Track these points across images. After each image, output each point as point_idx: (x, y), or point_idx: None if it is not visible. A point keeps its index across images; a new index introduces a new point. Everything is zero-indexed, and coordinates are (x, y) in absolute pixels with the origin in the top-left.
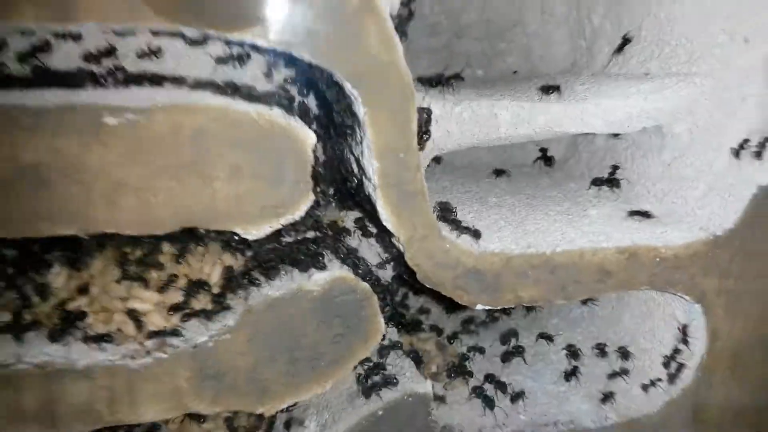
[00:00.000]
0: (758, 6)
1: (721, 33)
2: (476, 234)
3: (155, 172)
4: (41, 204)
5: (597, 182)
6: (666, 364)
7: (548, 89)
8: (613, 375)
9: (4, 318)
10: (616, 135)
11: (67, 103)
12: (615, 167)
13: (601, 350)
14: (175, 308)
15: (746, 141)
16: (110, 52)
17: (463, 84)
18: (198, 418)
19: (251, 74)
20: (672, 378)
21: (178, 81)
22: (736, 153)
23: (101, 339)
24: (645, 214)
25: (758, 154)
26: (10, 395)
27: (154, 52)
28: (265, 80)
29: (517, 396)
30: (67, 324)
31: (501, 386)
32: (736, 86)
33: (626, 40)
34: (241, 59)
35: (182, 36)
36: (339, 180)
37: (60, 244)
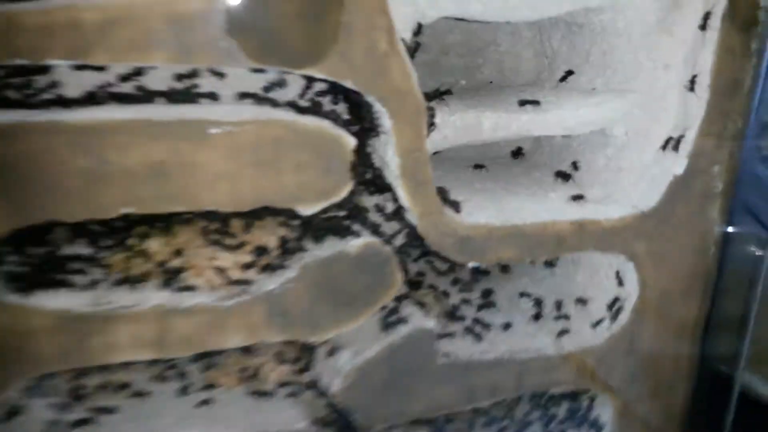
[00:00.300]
0: (673, 43)
1: (647, 60)
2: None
3: (243, 166)
4: (164, 189)
5: (557, 174)
6: (609, 308)
7: (525, 103)
8: (563, 317)
9: (118, 274)
10: (570, 136)
11: (183, 118)
12: (575, 164)
13: (559, 302)
14: (247, 266)
15: (668, 140)
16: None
17: (451, 95)
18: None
19: (293, 92)
20: (613, 318)
21: (265, 101)
22: (662, 149)
23: (195, 288)
24: (580, 197)
25: (675, 149)
26: (131, 329)
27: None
28: (304, 97)
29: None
30: (170, 276)
31: (485, 326)
32: (660, 100)
33: (569, 72)
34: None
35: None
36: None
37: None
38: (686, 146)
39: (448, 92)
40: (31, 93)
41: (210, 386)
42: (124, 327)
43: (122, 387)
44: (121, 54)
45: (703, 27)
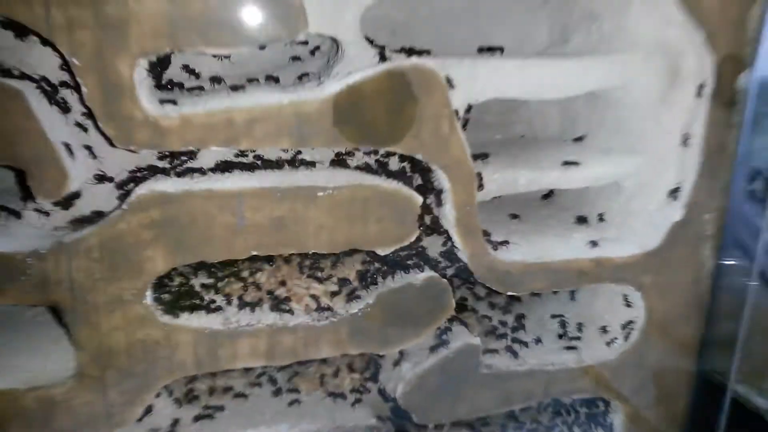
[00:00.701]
0: (673, 114)
1: (653, 127)
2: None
3: (339, 219)
4: (282, 237)
5: (578, 219)
6: (622, 328)
7: (568, 164)
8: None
9: (237, 300)
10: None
11: (299, 184)
12: (600, 216)
13: (580, 324)
14: (334, 294)
15: (672, 191)
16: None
17: (488, 156)
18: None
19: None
20: (626, 337)
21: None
22: (666, 197)
23: (294, 311)
24: (596, 243)
25: (675, 198)
26: (250, 342)
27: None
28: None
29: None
30: (278, 302)
31: (522, 344)
32: (662, 158)
33: (580, 137)
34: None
35: None
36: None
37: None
38: (683, 197)
39: (485, 155)
40: (178, 164)
41: (295, 390)
42: (245, 341)
43: (226, 390)
44: (259, 142)
45: (699, 95)
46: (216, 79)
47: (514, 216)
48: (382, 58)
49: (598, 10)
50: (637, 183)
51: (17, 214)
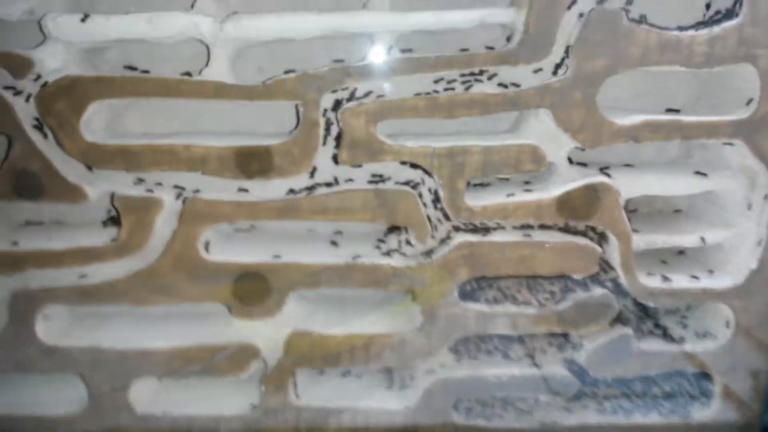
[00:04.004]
0: (751, 208)
1: (740, 215)
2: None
3: (556, 258)
4: (526, 266)
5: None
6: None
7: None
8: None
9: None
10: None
11: (535, 240)
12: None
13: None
14: (547, 299)
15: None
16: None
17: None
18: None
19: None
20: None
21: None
22: (749, 254)
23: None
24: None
25: (752, 254)
26: (508, 320)
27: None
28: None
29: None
30: (517, 301)
31: (666, 333)
32: (745, 232)
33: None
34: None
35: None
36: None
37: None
38: (757, 254)
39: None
40: None
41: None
42: (503, 319)
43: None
44: (520, 219)
45: (765, 198)
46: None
47: (663, 262)
48: (581, 174)
49: (708, 144)
50: (731, 246)
51: None
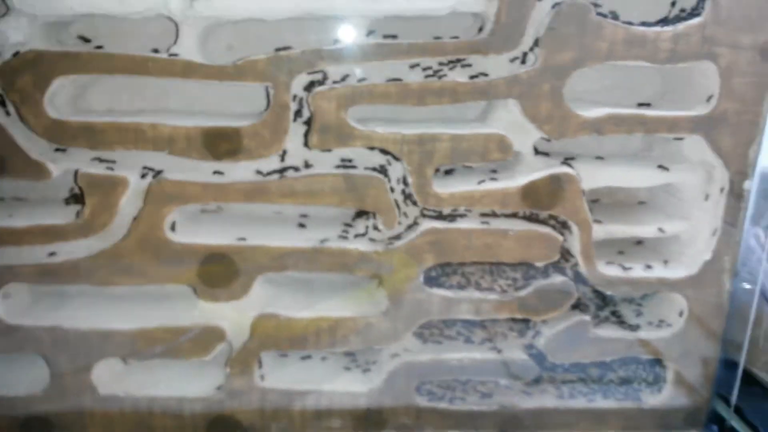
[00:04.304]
0: (708, 200)
1: (696, 207)
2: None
3: (520, 246)
4: (491, 253)
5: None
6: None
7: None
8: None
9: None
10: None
11: (499, 228)
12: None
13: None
14: (509, 286)
15: (706, 242)
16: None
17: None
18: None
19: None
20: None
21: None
22: (702, 246)
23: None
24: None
25: (706, 246)
26: (469, 306)
27: None
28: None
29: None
30: (480, 287)
31: (620, 318)
32: (701, 224)
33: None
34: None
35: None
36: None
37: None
38: (711, 246)
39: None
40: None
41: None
42: (465, 305)
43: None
44: (488, 206)
45: (721, 192)
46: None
47: (620, 252)
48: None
49: (668, 138)
50: (687, 237)
51: None
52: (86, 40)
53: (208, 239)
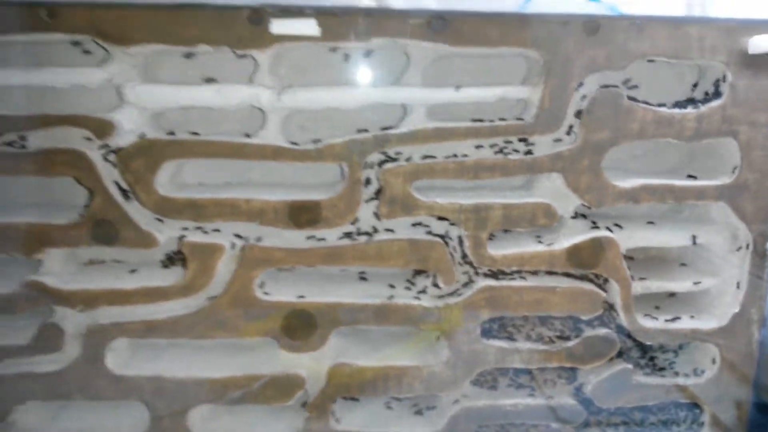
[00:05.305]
0: (733, 261)
1: (724, 263)
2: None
3: (564, 301)
4: (541, 307)
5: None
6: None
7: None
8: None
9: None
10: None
11: (546, 285)
12: (694, 313)
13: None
14: (558, 336)
15: (734, 295)
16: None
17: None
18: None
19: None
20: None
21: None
22: (731, 299)
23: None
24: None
25: (734, 299)
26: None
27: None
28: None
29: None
30: (532, 338)
31: (656, 371)
32: (729, 279)
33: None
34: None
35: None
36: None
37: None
38: (739, 299)
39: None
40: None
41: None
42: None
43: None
44: (536, 266)
45: (747, 249)
46: None
47: (657, 307)
48: (594, 226)
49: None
50: (717, 291)
51: None
52: (195, 134)
53: (291, 297)
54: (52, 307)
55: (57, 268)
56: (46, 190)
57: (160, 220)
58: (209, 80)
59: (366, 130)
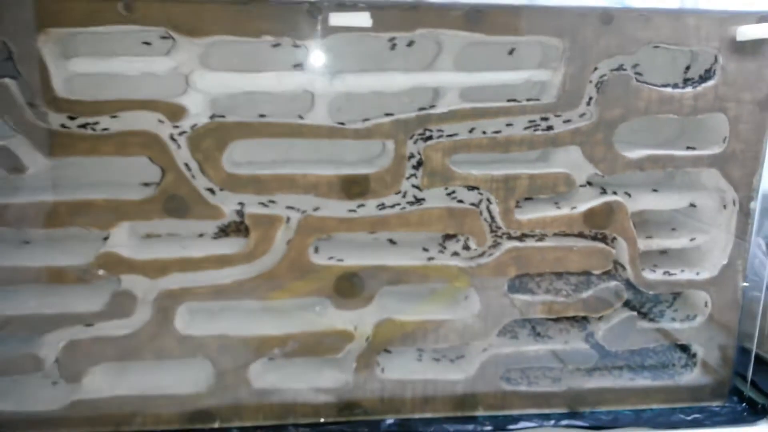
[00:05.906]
0: (723, 215)
1: (713, 222)
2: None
3: (581, 258)
4: (556, 264)
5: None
6: (705, 305)
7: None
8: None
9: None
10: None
11: (564, 245)
12: (683, 267)
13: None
14: (573, 290)
15: (722, 251)
16: None
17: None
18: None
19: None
20: (702, 315)
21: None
22: (719, 253)
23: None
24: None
25: (723, 253)
26: (542, 306)
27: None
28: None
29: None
30: (547, 290)
31: (658, 316)
32: (718, 236)
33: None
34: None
35: None
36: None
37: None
38: (726, 252)
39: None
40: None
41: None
42: (539, 306)
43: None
44: (549, 227)
45: (733, 206)
46: None
47: (654, 265)
48: (603, 192)
49: (688, 171)
50: (707, 247)
51: None
52: (262, 116)
53: (341, 261)
54: (119, 277)
55: (124, 241)
56: (108, 170)
57: (224, 193)
58: (266, 68)
59: (402, 112)
